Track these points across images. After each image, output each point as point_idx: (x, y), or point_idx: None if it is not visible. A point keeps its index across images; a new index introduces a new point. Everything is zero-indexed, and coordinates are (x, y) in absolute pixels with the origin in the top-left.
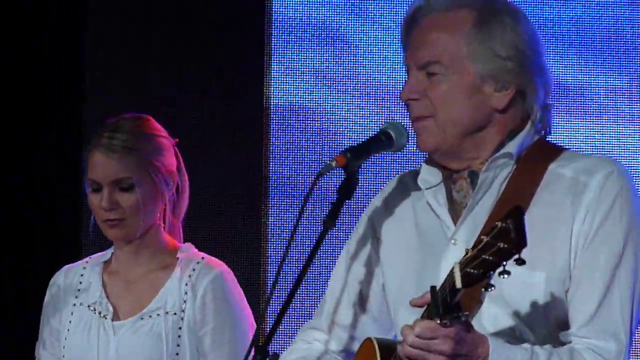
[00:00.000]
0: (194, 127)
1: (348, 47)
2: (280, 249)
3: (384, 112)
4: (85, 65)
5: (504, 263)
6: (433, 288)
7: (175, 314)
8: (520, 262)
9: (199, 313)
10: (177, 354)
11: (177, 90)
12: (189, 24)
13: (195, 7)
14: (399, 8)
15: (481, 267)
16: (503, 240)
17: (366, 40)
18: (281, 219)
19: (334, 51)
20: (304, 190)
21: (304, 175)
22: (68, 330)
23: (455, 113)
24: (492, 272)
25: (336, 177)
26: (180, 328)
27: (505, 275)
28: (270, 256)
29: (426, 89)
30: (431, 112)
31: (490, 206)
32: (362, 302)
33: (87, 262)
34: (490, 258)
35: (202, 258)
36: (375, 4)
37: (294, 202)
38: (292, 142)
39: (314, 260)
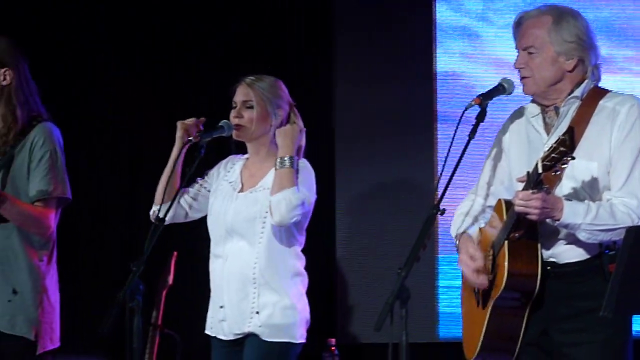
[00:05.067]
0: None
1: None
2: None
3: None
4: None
5: (564, 159)
6: (528, 172)
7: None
8: (572, 158)
9: None
10: None
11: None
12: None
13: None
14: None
15: (552, 160)
16: (563, 146)
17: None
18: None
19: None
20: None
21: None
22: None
23: (543, 74)
24: (557, 164)
25: None
26: None
27: (565, 165)
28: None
29: (527, 61)
30: (531, 74)
31: (565, 126)
32: (500, 179)
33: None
34: (556, 156)
35: None
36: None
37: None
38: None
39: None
